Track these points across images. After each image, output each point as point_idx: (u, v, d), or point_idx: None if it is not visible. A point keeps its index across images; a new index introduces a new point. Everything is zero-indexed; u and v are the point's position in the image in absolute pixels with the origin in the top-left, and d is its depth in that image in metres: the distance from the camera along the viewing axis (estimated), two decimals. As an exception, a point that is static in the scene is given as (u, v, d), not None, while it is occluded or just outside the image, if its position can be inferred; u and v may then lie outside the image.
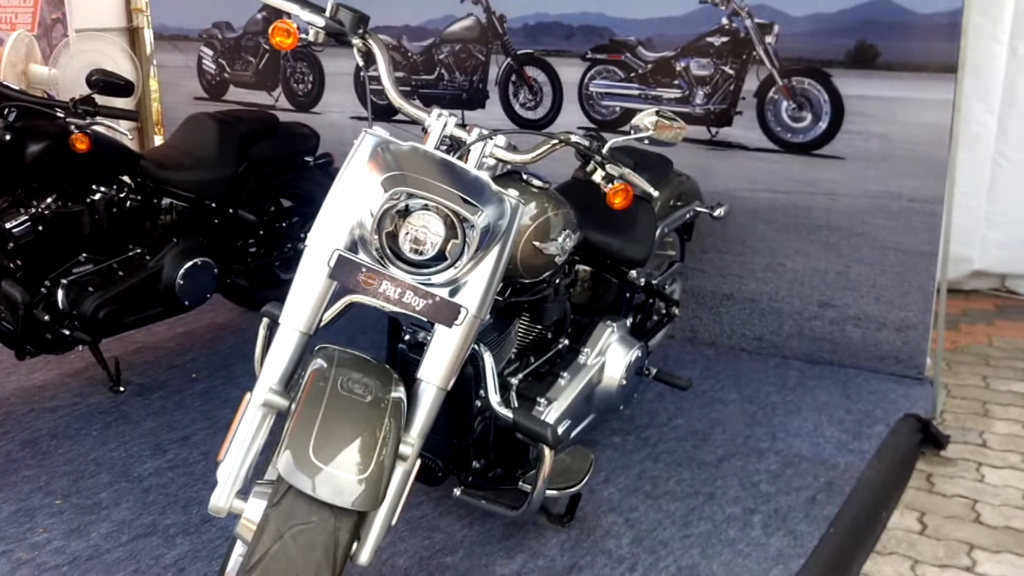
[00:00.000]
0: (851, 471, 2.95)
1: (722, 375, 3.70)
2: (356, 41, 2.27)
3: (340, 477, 1.74)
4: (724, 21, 3.62)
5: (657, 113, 2.38)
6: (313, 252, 2.05)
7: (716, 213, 3.36)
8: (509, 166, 2.33)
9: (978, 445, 3.42)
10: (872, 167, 3.49)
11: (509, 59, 4.14)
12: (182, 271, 3.69)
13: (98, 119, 3.29)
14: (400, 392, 2.00)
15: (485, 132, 2.22)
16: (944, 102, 3.27)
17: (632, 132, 2.39)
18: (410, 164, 2.06)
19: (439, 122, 2.21)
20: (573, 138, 2.34)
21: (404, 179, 1.99)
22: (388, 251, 2.00)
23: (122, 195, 3.57)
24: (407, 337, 2.42)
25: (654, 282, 3.17)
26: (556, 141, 2.30)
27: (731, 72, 3.66)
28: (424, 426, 2.02)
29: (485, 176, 2.10)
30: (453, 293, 2.02)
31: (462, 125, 2.24)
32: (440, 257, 2.01)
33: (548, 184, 2.40)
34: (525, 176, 2.37)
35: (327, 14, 2.24)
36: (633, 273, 2.98)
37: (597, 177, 2.34)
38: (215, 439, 3.18)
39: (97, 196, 3.51)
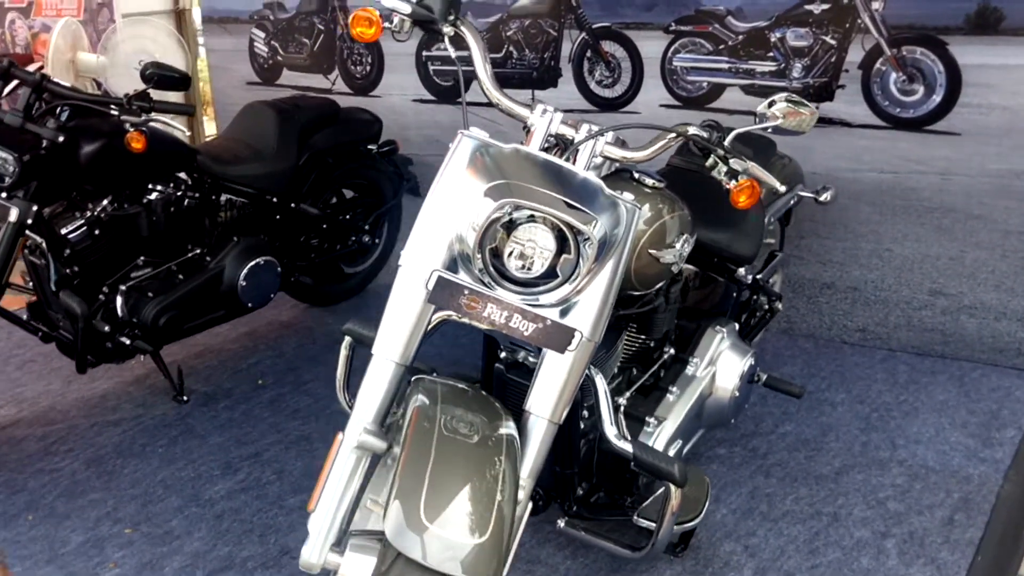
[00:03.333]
0: (988, 484, 2.68)
1: (825, 371, 3.42)
2: (447, 29, 2.01)
3: (457, 542, 1.51)
4: (825, -14, 3.30)
5: (787, 99, 2.11)
6: (408, 273, 1.82)
7: (822, 198, 3.06)
8: (618, 164, 2.07)
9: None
10: (993, 143, 3.17)
11: (584, 34, 3.85)
12: (245, 271, 3.49)
13: (153, 115, 3.07)
14: (510, 427, 1.77)
15: (595, 128, 1.96)
16: (1080, 69, 2.95)
17: (758, 120, 2.11)
18: (515, 170, 1.81)
19: (544, 119, 1.95)
20: (691, 130, 2.07)
21: (510, 188, 1.75)
22: (492, 269, 1.76)
23: (179, 193, 3.36)
24: (504, 355, 2.18)
25: (759, 277, 2.90)
26: (673, 134, 2.04)
27: (832, 42, 3.34)
28: (536, 465, 1.79)
29: (597, 179, 1.85)
30: (564, 314, 1.78)
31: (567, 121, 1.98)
32: (550, 274, 1.76)
33: (663, 183, 2.13)
34: (637, 175, 2.10)
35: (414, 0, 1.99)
36: (741, 271, 2.70)
37: (719, 173, 2.08)
38: (287, 455, 2.98)
39: (154, 196, 3.30)
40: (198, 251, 3.45)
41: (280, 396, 3.41)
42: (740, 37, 3.51)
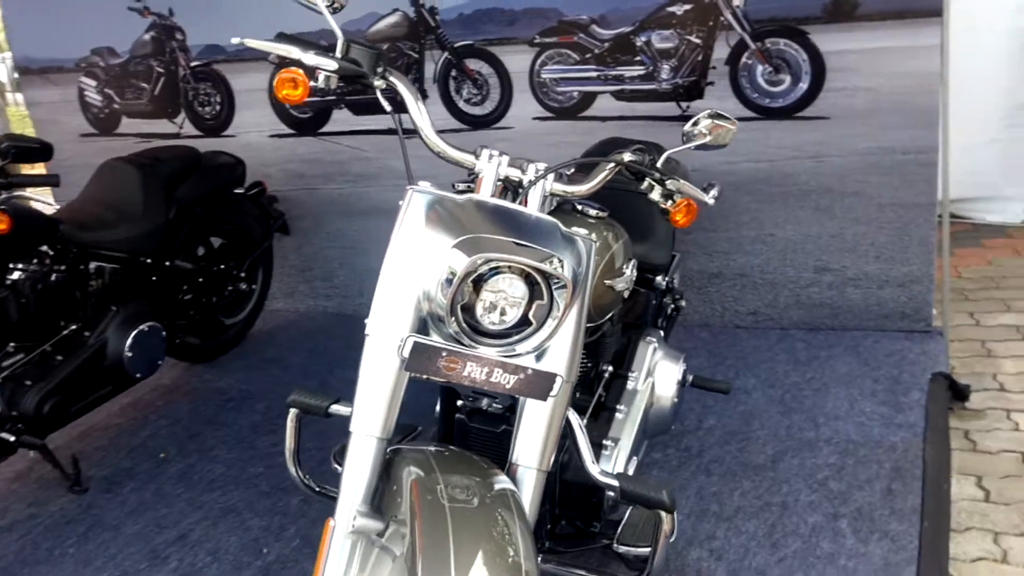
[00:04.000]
0: (911, 449, 2.82)
1: (728, 358, 3.52)
2: (378, 82, 1.92)
3: None
4: (685, -13, 3.38)
5: (710, 116, 2.14)
6: (377, 343, 1.75)
7: (710, 196, 3.14)
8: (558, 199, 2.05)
9: (997, 390, 3.35)
10: (860, 123, 3.34)
11: (446, 53, 3.80)
12: (129, 341, 3.27)
13: (14, 192, 2.82)
14: (504, 481, 1.73)
15: (541, 168, 1.93)
16: (931, 47, 3.13)
17: (686, 140, 2.15)
18: (476, 221, 1.76)
19: (492, 164, 1.89)
20: (626, 157, 2.08)
21: (479, 242, 1.69)
22: (465, 326, 1.71)
23: (44, 269, 3.11)
24: (461, 403, 2.13)
25: (667, 279, 2.95)
26: (612, 164, 2.04)
27: (698, 41, 3.43)
28: (534, 516, 1.76)
29: (553, 220, 1.83)
30: (539, 359, 1.75)
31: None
32: (523, 322, 1.73)
33: (605, 212, 2.12)
34: (579, 207, 2.09)
35: (338, 55, 1.89)
36: (659, 278, 2.74)
37: (655, 195, 2.10)
38: (217, 532, 2.80)
39: (16, 276, 3.04)
40: (74, 327, 3.21)
41: (189, 468, 3.20)
42: (606, 44, 3.55)
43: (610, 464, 2.32)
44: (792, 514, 2.59)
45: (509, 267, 1.70)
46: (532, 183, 1.90)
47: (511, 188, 1.93)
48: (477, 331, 1.72)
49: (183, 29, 4.21)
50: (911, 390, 3.15)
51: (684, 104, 3.52)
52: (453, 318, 1.69)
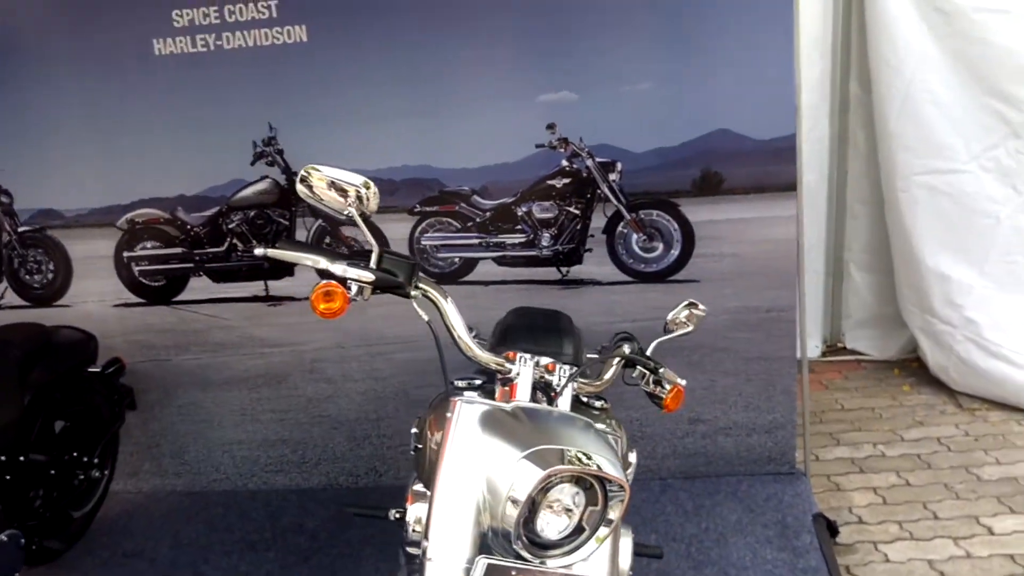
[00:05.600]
0: (824, 594, 3.03)
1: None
2: (414, 293, 1.90)
3: None
4: (564, 163, 3.57)
5: (687, 306, 2.32)
6: (442, 567, 1.69)
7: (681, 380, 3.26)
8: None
9: (857, 523, 3.67)
10: (728, 285, 3.63)
11: (320, 221, 3.75)
12: (-12, 557, 2.87)
13: None
14: None
15: (571, 370, 1.98)
16: (789, 217, 3.50)
17: (672, 330, 2.31)
18: (531, 430, 1.77)
19: (528, 368, 1.92)
20: (627, 349, 2.20)
21: (547, 453, 1.69)
22: (525, 540, 1.70)
23: None
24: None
25: None
26: (618, 360, 2.16)
27: (576, 212, 3.62)
28: None
29: (588, 420, 1.88)
30: (587, 564, 1.77)
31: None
32: (576, 530, 1.74)
33: (608, 404, 2.19)
34: (585, 399, 2.14)
35: (372, 265, 1.85)
36: None
37: (648, 383, 2.23)
38: None
39: None
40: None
41: None
42: (488, 213, 3.66)
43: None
44: (744, 674, 2.69)
45: (571, 476, 1.71)
46: (565, 384, 1.94)
47: (540, 388, 1.96)
48: (535, 544, 1.71)
49: (9, 192, 3.88)
50: (800, 533, 3.38)
51: (564, 269, 3.67)
52: (520, 533, 1.67)
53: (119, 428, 3.73)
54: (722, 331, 3.70)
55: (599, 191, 3.58)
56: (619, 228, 3.63)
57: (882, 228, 5.07)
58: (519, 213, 3.66)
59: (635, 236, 3.63)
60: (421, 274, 1.94)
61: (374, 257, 1.86)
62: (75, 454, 3.48)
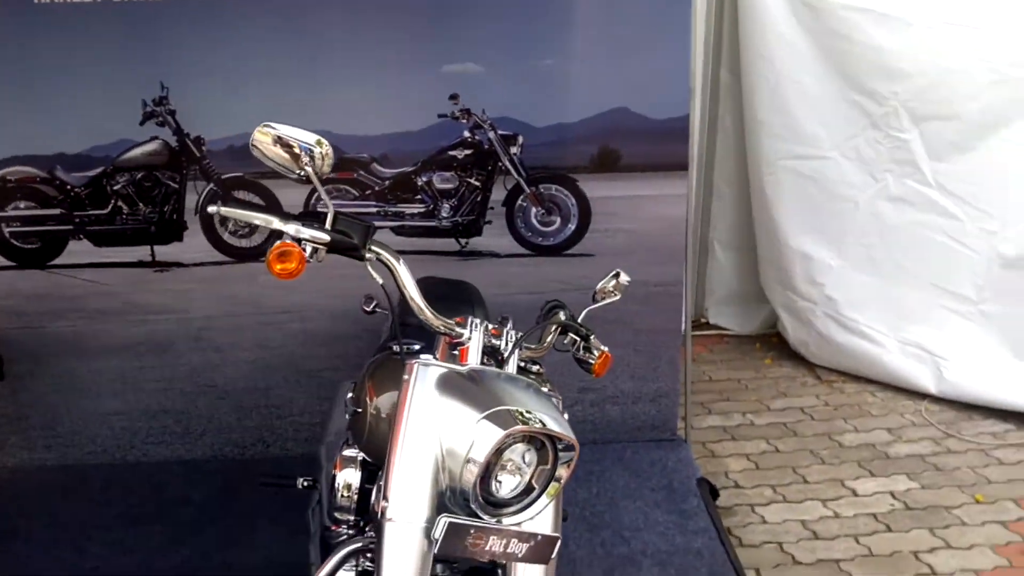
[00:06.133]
0: (715, 554, 3.19)
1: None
2: (369, 255, 1.89)
3: None
4: (466, 134, 3.59)
5: (614, 276, 2.40)
6: (402, 528, 1.71)
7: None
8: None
9: (734, 487, 3.89)
10: (620, 260, 3.68)
11: (212, 184, 3.63)
12: None
13: None
14: None
15: (514, 334, 2.02)
16: (680, 196, 3.64)
17: (601, 298, 2.39)
18: (487, 392, 1.81)
19: (478, 333, 1.95)
20: (562, 315, 2.27)
21: (505, 414, 1.73)
22: (481, 499, 1.74)
23: None
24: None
25: None
26: (555, 327, 2.22)
27: (477, 183, 3.65)
28: None
29: (534, 383, 1.95)
30: (535, 522, 1.83)
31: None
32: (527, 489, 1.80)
33: (542, 367, 2.24)
34: (523, 364, 2.18)
35: (328, 226, 1.83)
36: None
37: (579, 350, 2.31)
38: None
39: None
40: None
41: None
42: (387, 182, 3.64)
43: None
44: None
45: (526, 436, 1.76)
46: (513, 348, 1.99)
47: (488, 353, 1.99)
48: (489, 503, 1.75)
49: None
50: (687, 496, 3.55)
51: (463, 240, 3.70)
52: (476, 493, 1.71)
53: (-12, 399, 3.53)
54: (613, 304, 3.80)
55: (500, 164, 3.63)
56: (519, 201, 3.69)
57: (746, 209, 5.34)
58: (419, 183, 3.66)
59: (534, 210, 3.70)
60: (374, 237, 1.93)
61: (329, 218, 1.85)
62: (-57, 425, 3.28)
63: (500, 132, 3.58)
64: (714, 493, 3.70)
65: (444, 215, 3.68)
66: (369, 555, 2.02)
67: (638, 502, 3.53)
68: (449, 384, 1.81)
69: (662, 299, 3.80)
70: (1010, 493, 3.76)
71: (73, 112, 3.53)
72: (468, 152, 3.62)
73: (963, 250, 4.50)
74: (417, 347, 2.16)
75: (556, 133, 3.60)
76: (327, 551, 2.50)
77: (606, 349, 2.33)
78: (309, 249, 1.81)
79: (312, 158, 1.84)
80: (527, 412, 1.74)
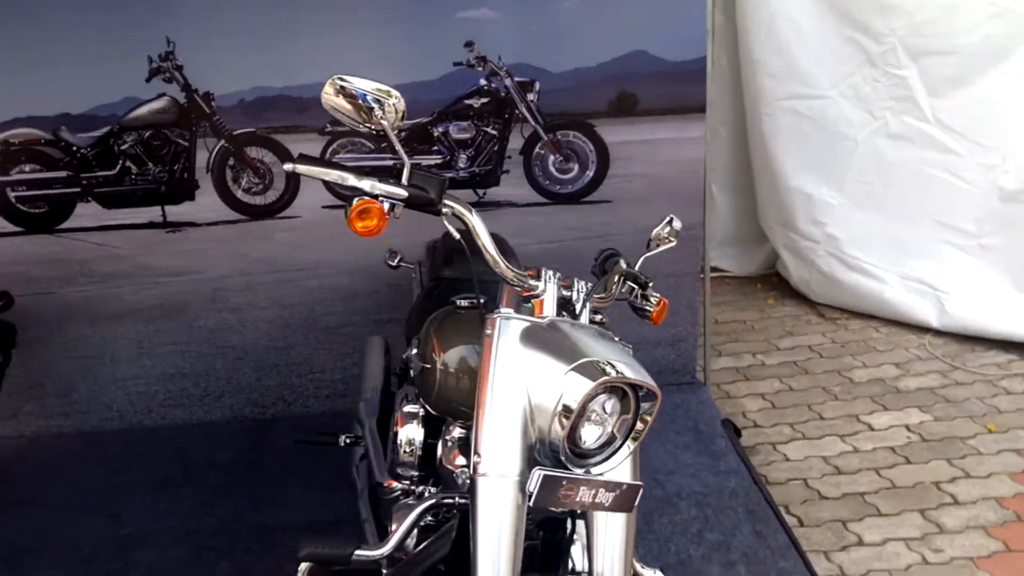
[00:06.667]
0: (749, 493, 3.23)
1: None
2: (445, 209, 1.85)
3: None
4: (483, 82, 3.53)
5: (669, 222, 2.39)
6: (495, 482, 1.70)
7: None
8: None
9: (754, 427, 3.93)
10: (639, 206, 3.73)
11: (223, 141, 3.55)
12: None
13: None
14: None
15: (587, 285, 2.01)
16: (697, 139, 3.63)
17: (655, 245, 2.37)
18: (571, 343, 1.79)
19: (552, 284, 1.93)
20: (623, 265, 2.25)
21: (592, 365, 1.72)
22: (568, 451, 1.74)
23: None
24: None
25: None
26: (618, 277, 2.20)
27: (494, 132, 3.60)
28: None
29: (610, 333, 1.94)
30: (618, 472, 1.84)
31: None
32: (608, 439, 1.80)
33: (605, 317, 2.23)
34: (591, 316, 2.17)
35: (404, 181, 1.79)
36: None
37: (637, 297, 2.30)
38: None
39: None
40: None
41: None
42: (403, 133, 3.58)
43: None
44: (694, 571, 2.85)
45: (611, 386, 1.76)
46: (586, 299, 1.98)
47: (563, 303, 1.98)
48: (574, 454, 1.75)
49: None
50: (714, 438, 3.59)
51: (480, 191, 3.67)
52: (565, 444, 1.71)
53: (6, 369, 3.45)
54: (634, 249, 3.78)
55: (517, 111, 3.58)
56: (536, 149, 3.65)
57: (742, 151, 5.34)
58: (436, 133, 3.61)
59: (552, 157, 3.67)
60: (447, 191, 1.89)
61: (405, 173, 1.81)
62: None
63: (517, 79, 3.53)
64: (738, 433, 3.74)
65: (461, 165, 3.64)
66: (444, 509, 2.03)
67: (667, 445, 3.56)
68: (532, 337, 1.80)
69: (682, 243, 3.75)
70: (1021, 422, 3.85)
71: (76, 70, 3.42)
72: (484, 100, 3.57)
73: (963, 185, 4.54)
74: (482, 300, 2.14)
75: (574, 78, 3.55)
76: (381, 506, 2.52)
77: (653, 294, 2.31)
78: (387, 205, 1.77)
79: (384, 110, 1.79)
80: (611, 361, 1.73)
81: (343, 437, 2.82)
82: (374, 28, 3.44)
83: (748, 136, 5.22)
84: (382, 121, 1.79)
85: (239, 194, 3.62)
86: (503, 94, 3.55)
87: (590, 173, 3.69)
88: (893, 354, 4.53)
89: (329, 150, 3.60)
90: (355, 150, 3.60)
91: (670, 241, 2.38)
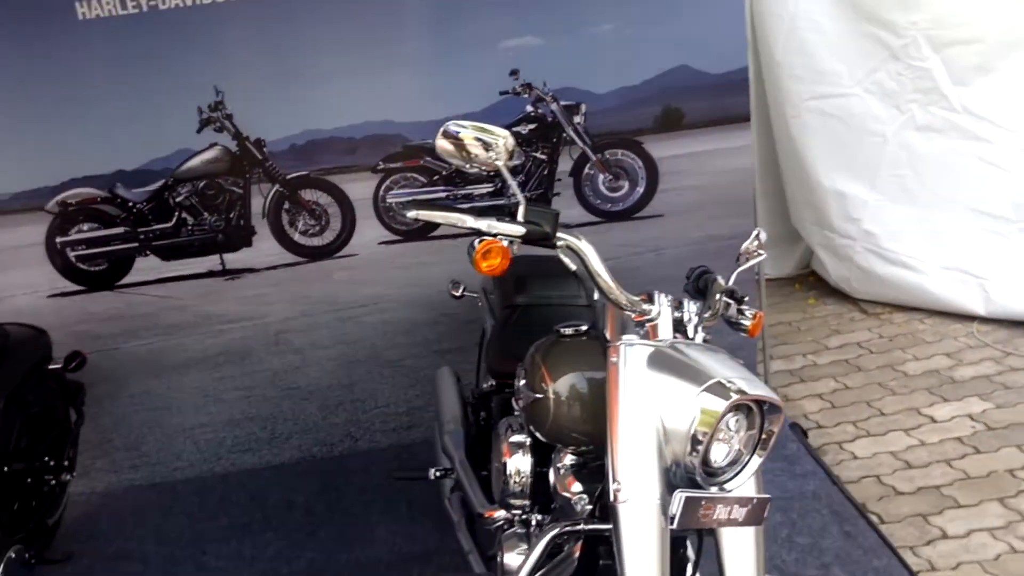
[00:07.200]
0: (830, 494, 3.25)
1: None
2: (560, 243, 1.88)
3: None
4: (529, 108, 3.58)
5: (756, 236, 2.41)
6: (637, 507, 1.72)
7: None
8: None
9: (816, 428, 3.95)
10: (690, 218, 3.77)
11: (277, 185, 3.59)
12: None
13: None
14: None
15: (699, 305, 2.05)
16: (744, 148, 3.67)
17: (744, 260, 2.39)
18: (696, 365, 1.83)
19: (667, 307, 1.97)
20: (721, 282, 2.27)
21: (720, 385, 1.75)
22: (701, 471, 1.76)
23: None
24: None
25: None
26: (718, 296, 2.23)
27: (543, 157, 3.65)
28: None
29: (723, 351, 1.98)
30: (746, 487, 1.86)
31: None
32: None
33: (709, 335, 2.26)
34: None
35: (520, 219, 1.82)
36: None
37: (734, 314, 2.31)
38: None
39: None
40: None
41: None
42: (453, 166, 3.61)
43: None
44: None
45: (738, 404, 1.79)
46: (700, 320, 2.01)
47: (675, 325, 2.01)
48: (708, 473, 1.78)
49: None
50: (785, 442, 3.60)
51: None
52: (701, 465, 1.74)
53: (81, 427, 3.47)
54: (687, 261, 3.80)
55: (564, 134, 3.62)
56: (585, 170, 3.69)
57: (768, 153, 5.37)
58: (499, 163, 3.64)
59: (601, 176, 3.71)
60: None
61: (521, 210, 1.84)
62: (46, 459, 3.23)
63: (562, 103, 3.57)
64: (803, 435, 3.77)
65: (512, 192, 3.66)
66: (566, 536, 2.05)
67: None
68: (657, 361, 1.84)
69: (733, 252, 3.81)
70: (1083, 402, 3.88)
71: (128, 127, 3.47)
72: (532, 127, 3.61)
73: (997, 171, 4.57)
74: (584, 327, 2.18)
75: (619, 97, 3.60)
76: (484, 537, 2.54)
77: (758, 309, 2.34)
78: (506, 242, 1.80)
79: (495, 151, 1.83)
80: (737, 380, 1.76)
81: (433, 470, 2.85)
82: (420, 64, 3.49)
83: (776, 139, 5.26)
84: (496, 162, 1.82)
85: (296, 237, 3.66)
86: (550, 119, 3.60)
87: (640, 189, 3.73)
88: (942, 344, 4.56)
89: (383, 187, 3.64)
90: (408, 185, 3.64)
91: (760, 254, 2.39)
